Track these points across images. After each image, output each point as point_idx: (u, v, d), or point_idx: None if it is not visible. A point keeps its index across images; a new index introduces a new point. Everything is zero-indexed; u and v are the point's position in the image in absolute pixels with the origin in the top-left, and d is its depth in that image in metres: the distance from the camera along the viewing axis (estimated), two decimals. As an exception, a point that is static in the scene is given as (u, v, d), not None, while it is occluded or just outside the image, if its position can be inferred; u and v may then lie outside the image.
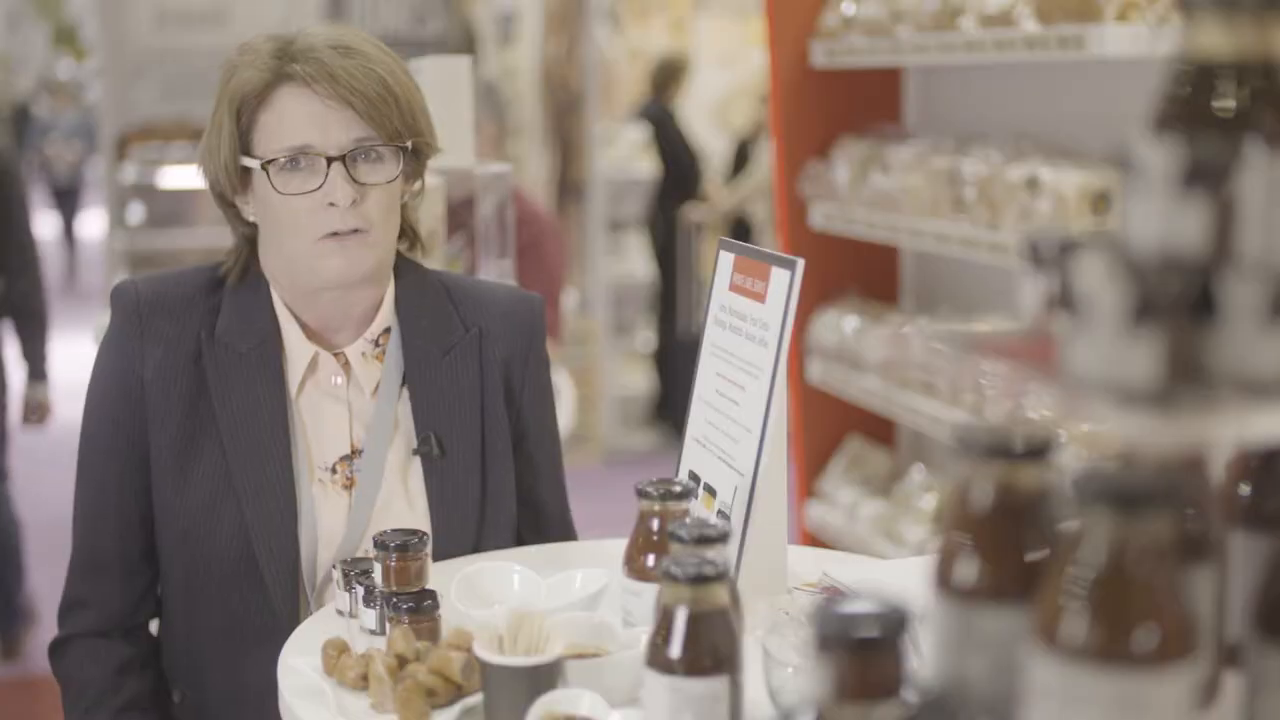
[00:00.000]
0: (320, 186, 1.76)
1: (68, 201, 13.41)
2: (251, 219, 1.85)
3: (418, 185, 1.91)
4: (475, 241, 3.26)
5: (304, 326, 1.87)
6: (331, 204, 1.76)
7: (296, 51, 1.78)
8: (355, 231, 1.78)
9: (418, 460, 1.86)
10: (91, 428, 1.86)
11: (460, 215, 3.04)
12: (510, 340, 1.94)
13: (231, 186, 1.82)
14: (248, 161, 1.80)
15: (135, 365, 1.82)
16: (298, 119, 1.77)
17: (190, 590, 1.83)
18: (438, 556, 1.79)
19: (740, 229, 7.24)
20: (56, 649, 1.89)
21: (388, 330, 1.89)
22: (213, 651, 1.83)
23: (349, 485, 1.84)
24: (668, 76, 7.54)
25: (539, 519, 1.97)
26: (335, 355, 1.87)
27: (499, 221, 3.02)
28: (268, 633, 1.76)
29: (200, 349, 1.83)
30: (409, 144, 1.81)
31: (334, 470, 1.85)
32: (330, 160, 1.76)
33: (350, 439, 1.86)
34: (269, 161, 1.77)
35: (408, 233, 1.94)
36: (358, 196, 1.76)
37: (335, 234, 1.77)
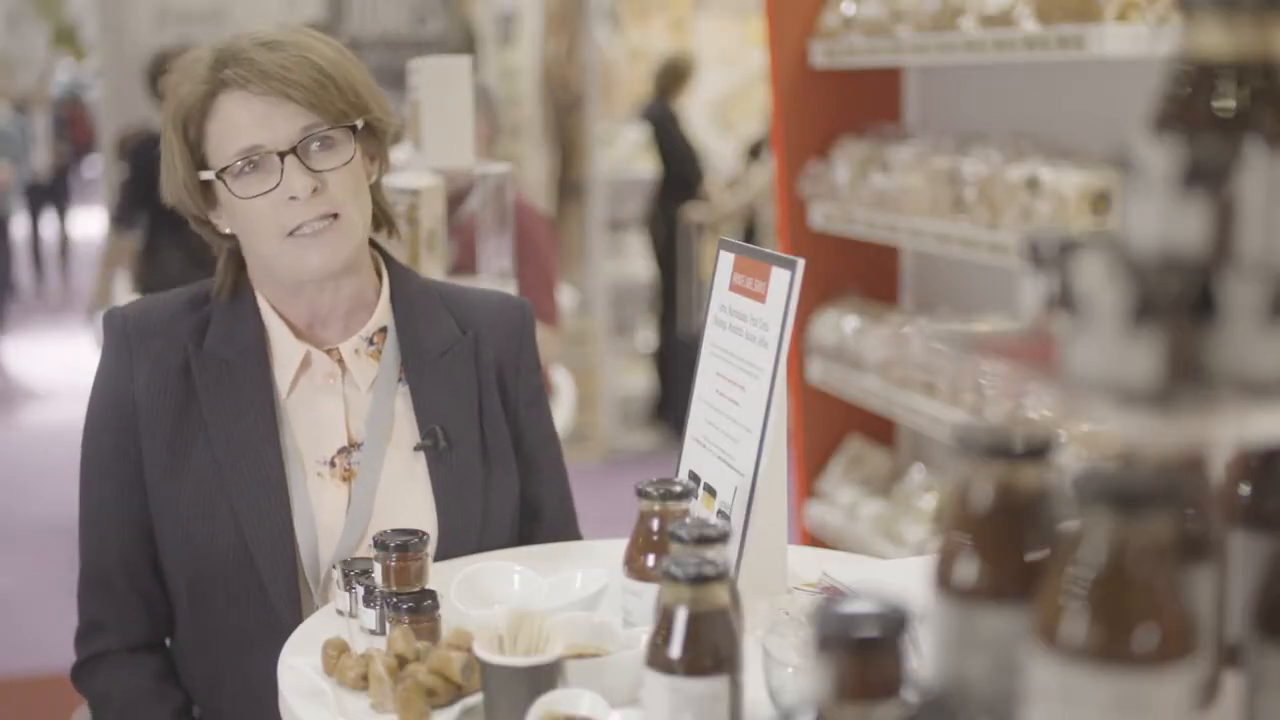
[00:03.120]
0: (278, 184, 1.77)
1: None
2: (228, 231, 1.86)
3: (382, 164, 1.91)
4: (469, 236, 3.26)
5: (292, 327, 1.88)
6: (292, 197, 1.77)
7: (228, 57, 1.80)
8: (326, 218, 1.79)
9: (420, 456, 1.87)
10: (90, 449, 1.89)
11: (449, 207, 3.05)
12: (501, 343, 1.96)
13: (197, 204, 1.84)
14: (204, 175, 1.81)
15: (126, 384, 1.85)
16: (242, 122, 1.78)
17: (195, 598, 1.84)
18: (442, 550, 1.81)
19: (744, 229, 7.24)
20: (82, 671, 1.90)
21: (383, 330, 1.91)
22: (222, 659, 1.84)
23: (347, 477, 1.85)
24: (673, 78, 7.54)
25: (544, 520, 1.98)
26: (329, 352, 1.88)
27: (498, 221, 3.02)
28: (272, 634, 1.76)
29: (188, 362, 1.85)
30: (359, 123, 1.83)
31: (332, 464, 1.86)
32: (282, 155, 1.77)
33: (347, 432, 1.87)
34: (223, 170, 1.79)
35: (380, 218, 1.94)
36: (318, 184, 1.78)
37: (302, 228, 1.78)
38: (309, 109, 1.78)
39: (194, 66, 1.82)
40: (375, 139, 1.87)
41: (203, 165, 1.82)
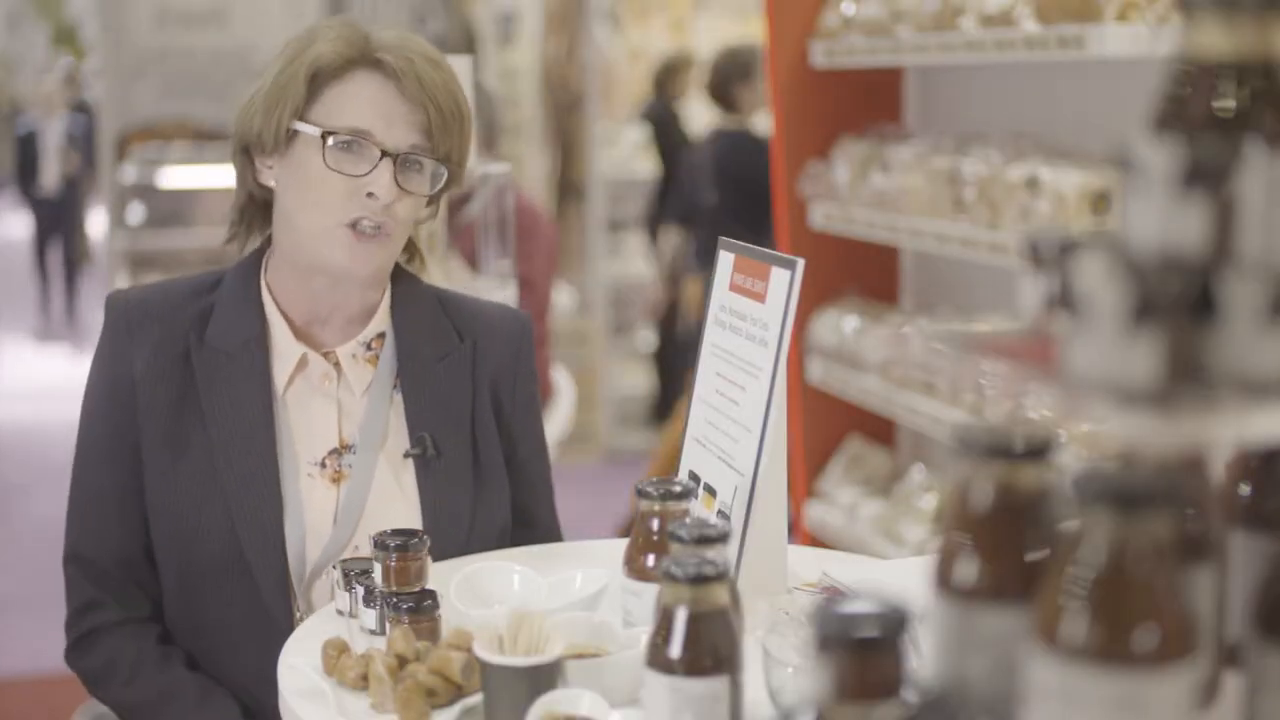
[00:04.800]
0: (367, 174, 1.78)
1: None
2: (269, 182, 1.86)
3: (433, 212, 1.95)
4: (470, 239, 3.26)
5: (293, 325, 1.88)
6: (370, 194, 1.78)
7: (388, 45, 1.82)
8: (379, 230, 1.80)
9: (411, 463, 1.87)
10: (87, 433, 1.88)
11: (450, 210, 3.05)
12: (499, 354, 1.96)
13: (273, 142, 1.82)
14: (303, 126, 1.80)
15: (125, 367, 1.85)
16: (368, 104, 1.80)
17: (185, 590, 1.84)
18: None
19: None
20: (77, 649, 1.86)
21: (381, 335, 1.91)
22: (209, 651, 1.83)
23: (337, 479, 1.85)
24: (672, 77, 7.54)
25: (530, 533, 1.97)
26: (325, 355, 1.88)
27: (499, 220, 3.02)
28: (260, 630, 1.77)
29: (189, 350, 1.85)
30: (450, 170, 1.85)
31: (323, 465, 1.86)
32: (384, 154, 1.78)
33: (339, 434, 1.87)
34: (328, 133, 1.78)
35: (408, 246, 1.97)
36: (396, 197, 1.79)
37: (357, 224, 1.79)
38: (426, 132, 1.81)
39: (346, 31, 1.82)
40: (443, 189, 1.88)
41: (302, 117, 1.81)
